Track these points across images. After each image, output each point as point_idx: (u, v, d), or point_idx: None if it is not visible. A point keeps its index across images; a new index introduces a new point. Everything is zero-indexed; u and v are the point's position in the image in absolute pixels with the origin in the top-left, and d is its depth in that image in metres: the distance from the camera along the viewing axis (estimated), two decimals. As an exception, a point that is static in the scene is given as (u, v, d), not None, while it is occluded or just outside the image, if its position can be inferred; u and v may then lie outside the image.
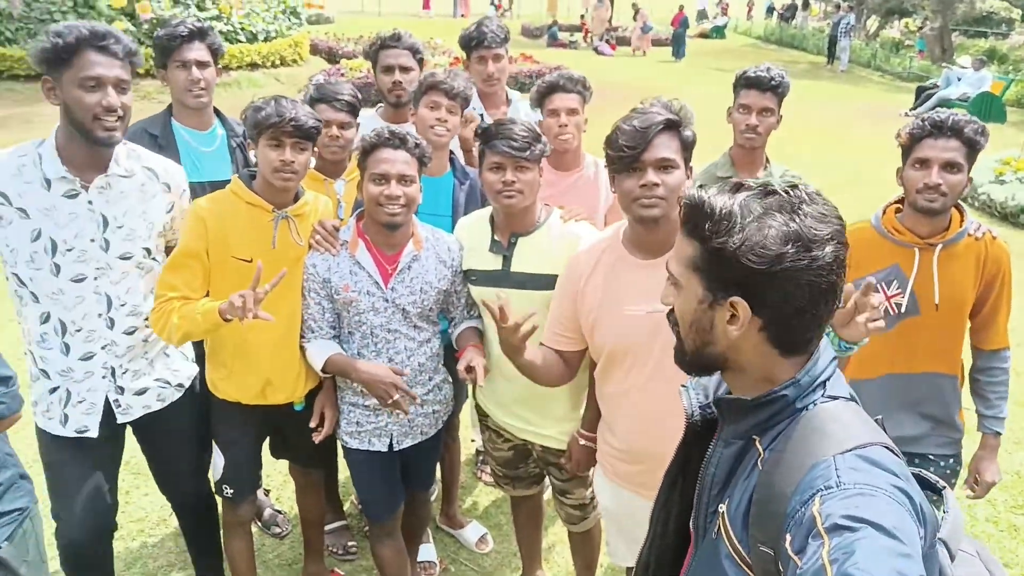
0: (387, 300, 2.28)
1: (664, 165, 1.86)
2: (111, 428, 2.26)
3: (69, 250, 2.06)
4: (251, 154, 2.23)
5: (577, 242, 2.26)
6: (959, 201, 2.22)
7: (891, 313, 2.25)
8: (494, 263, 2.34)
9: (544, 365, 2.14)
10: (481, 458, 3.65)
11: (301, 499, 2.84)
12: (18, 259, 2.05)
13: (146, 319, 2.24)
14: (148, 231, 2.20)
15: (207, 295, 2.23)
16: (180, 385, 2.41)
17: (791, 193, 1.08)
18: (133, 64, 2.05)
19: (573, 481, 2.49)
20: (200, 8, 11.94)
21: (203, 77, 2.63)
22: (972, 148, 2.12)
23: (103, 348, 2.18)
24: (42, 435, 2.25)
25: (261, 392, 2.35)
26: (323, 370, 2.31)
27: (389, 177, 2.18)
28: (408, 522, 2.73)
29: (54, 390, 2.18)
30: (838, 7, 25.58)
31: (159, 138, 2.61)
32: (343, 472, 3.13)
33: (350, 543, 3.12)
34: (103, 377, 2.20)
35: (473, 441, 3.72)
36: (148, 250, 2.23)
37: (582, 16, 25.74)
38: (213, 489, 2.55)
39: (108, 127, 1.98)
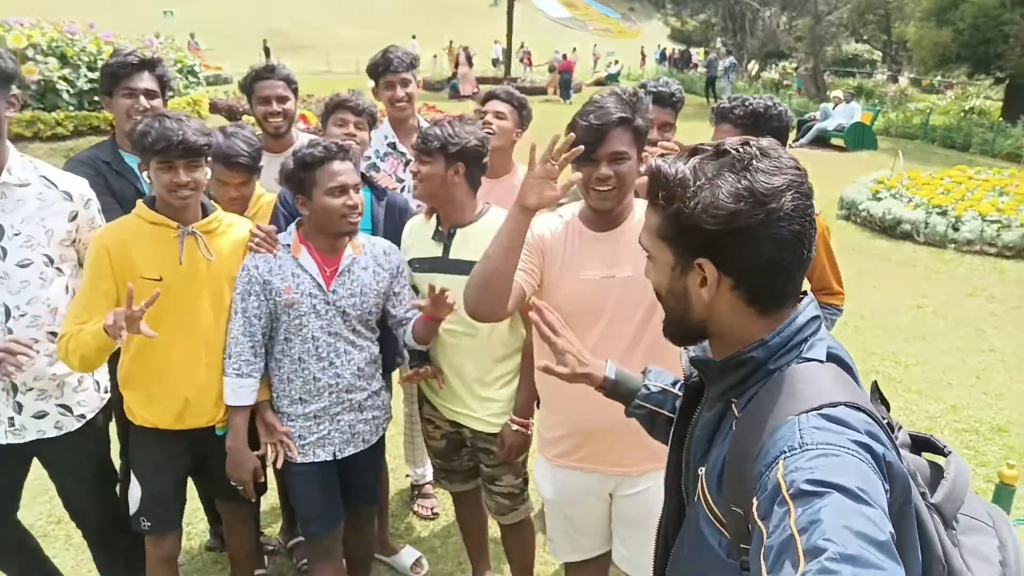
0: (328, 303, 2.30)
1: (617, 158, 1.96)
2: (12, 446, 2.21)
3: None
4: (144, 175, 2.21)
5: None
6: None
7: None
8: (435, 251, 2.45)
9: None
10: (416, 492, 3.63)
11: (230, 537, 2.70)
12: None
13: (52, 334, 2.19)
14: (47, 238, 2.20)
15: None
16: (82, 416, 2.34)
17: (741, 151, 1.06)
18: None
19: (502, 467, 2.52)
20: (91, 69, 11.54)
21: (152, 105, 2.62)
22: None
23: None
24: None
25: (180, 416, 2.28)
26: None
27: (347, 188, 2.24)
28: (353, 544, 2.65)
29: None
30: (718, 52, 27.70)
31: (112, 164, 2.61)
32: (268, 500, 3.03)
33: None
34: (2, 390, 2.15)
35: (408, 476, 3.70)
36: (49, 258, 2.21)
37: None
38: (131, 525, 2.40)
39: None
